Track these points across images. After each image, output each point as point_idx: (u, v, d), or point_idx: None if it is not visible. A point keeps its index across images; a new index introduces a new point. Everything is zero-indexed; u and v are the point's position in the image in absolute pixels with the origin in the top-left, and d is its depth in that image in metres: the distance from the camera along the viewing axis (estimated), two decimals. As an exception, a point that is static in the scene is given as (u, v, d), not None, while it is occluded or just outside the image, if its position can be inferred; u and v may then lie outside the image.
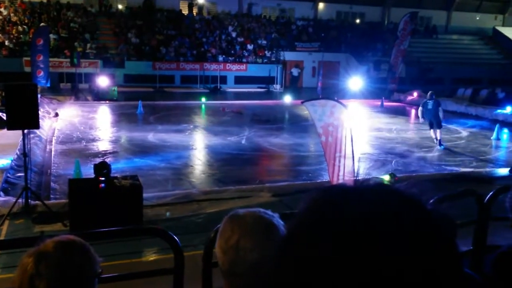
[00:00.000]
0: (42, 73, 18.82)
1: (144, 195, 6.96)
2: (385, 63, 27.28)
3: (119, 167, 9.62)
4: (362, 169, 10.23)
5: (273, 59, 29.19)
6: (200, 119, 16.74)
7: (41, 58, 18.76)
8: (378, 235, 0.53)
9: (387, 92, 24.33)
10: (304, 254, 0.54)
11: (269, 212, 1.43)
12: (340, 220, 0.55)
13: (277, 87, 28.01)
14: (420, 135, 15.34)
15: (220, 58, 28.07)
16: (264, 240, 1.35)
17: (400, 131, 16.06)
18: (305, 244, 0.55)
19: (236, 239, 1.36)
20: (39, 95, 7.80)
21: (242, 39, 29.96)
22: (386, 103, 22.45)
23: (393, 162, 11.41)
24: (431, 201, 0.59)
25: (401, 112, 20.94)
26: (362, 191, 0.59)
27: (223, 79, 27.31)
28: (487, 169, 10.64)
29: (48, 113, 16.02)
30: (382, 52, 31.08)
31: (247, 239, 1.36)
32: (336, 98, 9.01)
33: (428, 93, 13.48)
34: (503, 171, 9.99)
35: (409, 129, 17.27)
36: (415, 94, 23.68)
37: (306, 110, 8.19)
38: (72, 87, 22.41)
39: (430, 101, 13.23)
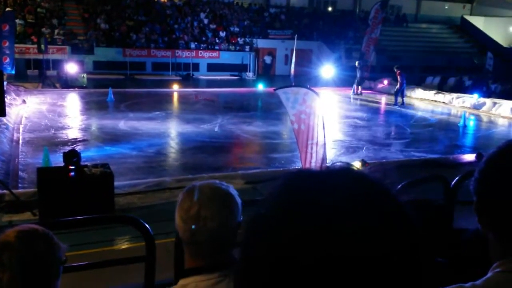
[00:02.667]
0: (8, 60, 18.24)
1: (116, 183, 6.87)
2: (357, 51, 27.53)
3: (89, 155, 9.45)
4: (334, 156, 10.36)
5: (246, 46, 29.05)
6: (172, 107, 16.56)
7: (7, 44, 18.16)
8: (343, 217, 0.54)
9: (358, 80, 24.57)
10: (272, 236, 0.55)
11: (224, 183, 1.52)
12: (308, 204, 0.56)
13: (250, 74, 27.94)
14: (391, 122, 15.62)
15: (192, 45, 27.76)
16: (222, 208, 1.45)
17: (371, 119, 16.29)
18: (274, 225, 0.56)
19: (197, 209, 1.43)
20: (5, 82, 7.53)
21: (214, 26, 29.67)
22: (357, 91, 22.70)
23: (364, 149, 11.59)
24: (399, 186, 0.61)
25: (371, 100, 21.23)
26: (329, 175, 0.60)
27: (196, 67, 27.06)
28: (455, 155, 10.93)
29: (15, 100, 15.53)
30: (354, 40, 31.34)
31: (207, 209, 1.43)
32: (308, 86, 9.05)
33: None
34: (470, 157, 10.28)
35: (380, 117, 17.55)
36: (386, 82, 24.01)
37: (279, 97, 8.21)
38: (40, 74, 21.76)
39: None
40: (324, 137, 7.40)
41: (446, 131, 14.58)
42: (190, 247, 1.47)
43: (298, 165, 8.78)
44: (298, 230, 0.54)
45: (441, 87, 22.80)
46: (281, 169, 9.31)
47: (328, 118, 10.38)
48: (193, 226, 1.43)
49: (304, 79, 22.58)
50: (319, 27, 32.38)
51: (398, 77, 19.01)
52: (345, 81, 24.02)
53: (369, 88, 24.22)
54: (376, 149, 11.61)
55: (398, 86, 19.01)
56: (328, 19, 33.73)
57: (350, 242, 0.52)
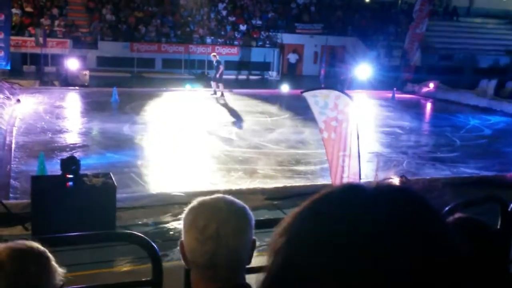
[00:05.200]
0: (2, 54, 18.73)
1: (118, 195, 6.96)
2: (398, 49, 27.32)
3: (89, 163, 9.61)
4: (369, 171, 10.29)
5: (269, 42, 29.17)
6: (184, 110, 16.72)
7: (2, 36, 18.66)
8: (384, 240, 0.58)
9: (400, 82, 24.39)
10: (316, 254, 0.59)
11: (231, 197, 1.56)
12: (352, 222, 0.60)
13: (273, 74, 28.00)
14: (438, 133, 15.43)
15: (208, 40, 28.01)
16: (242, 225, 1.48)
17: (414, 128, 16.13)
18: (317, 244, 0.60)
19: (215, 228, 1.44)
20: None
21: (234, 19, 29.91)
22: (398, 95, 22.54)
23: (405, 163, 11.49)
24: (448, 207, 0.64)
25: (415, 106, 21.03)
26: (377, 192, 0.64)
27: (211, 64, 27.24)
28: (512, 173, 10.73)
29: (9, 99, 15.92)
30: (395, 36, 31.16)
31: (227, 226, 1.45)
32: (341, 89, 9.03)
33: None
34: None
35: (424, 126, 17.37)
36: (432, 85, 23.77)
37: (306, 101, 8.21)
38: (37, 70, 22.26)
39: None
40: (358, 148, 7.36)
41: (503, 144, 14.33)
42: (205, 271, 1.48)
43: (327, 180, 8.75)
44: (337, 248, 0.58)
45: (498, 92, 22.42)
46: (307, 184, 9.29)
47: (363, 126, 10.32)
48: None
49: (336, 81, 22.53)
50: (354, 20, 32.31)
51: None
52: (384, 83, 23.86)
53: (412, 92, 24.00)
54: (419, 164, 11.50)
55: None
56: (364, 11, 33.64)
57: (388, 267, 0.56)
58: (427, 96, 23.13)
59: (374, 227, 0.58)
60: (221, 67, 20.04)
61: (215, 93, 19.88)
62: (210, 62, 27.04)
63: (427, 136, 15.37)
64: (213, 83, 20.29)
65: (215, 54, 21.45)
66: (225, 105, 18.22)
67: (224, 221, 1.46)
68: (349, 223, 0.59)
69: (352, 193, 0.64)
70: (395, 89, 22.70)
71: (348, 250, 0.57)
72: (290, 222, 0.65)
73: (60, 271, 1.58)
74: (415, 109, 20.27)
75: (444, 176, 10.27)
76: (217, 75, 19.89)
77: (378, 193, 0.63)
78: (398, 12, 34.52)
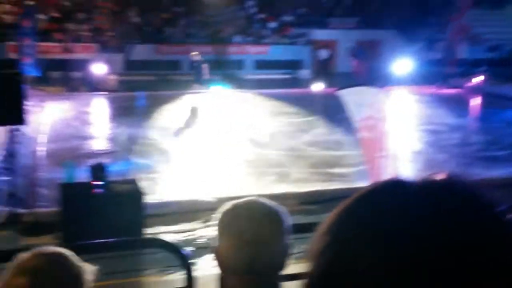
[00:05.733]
0: (29, 60, 19.22)
1: (146, 202, 7.09)
2: (441, 41, 26.83)
3: (117, 169, 9.78)
4: (411, 171, 10.16)
5: (301, 39, 29.08)
6: (213, 112, 16.85)
7: (29, 42, 19.15)
8: (438, 235, 0.57)
9: (443, 77, 23.96)
10: (363, 254, 0.59)
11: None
12: (402, 219, 0.59)
13: (305, 72, 27.89)
14: (487, 129, 15.09)
15: (237, 39, 28.14)
16: (280, 228, 1.48)
17: (460, 125, 15.82)
18: (363, 243, 0.59)
19: (253, 232, 1.45)
20: (25, 86, 8.02)
21: (263, 16, 29.97)
22: (441, 90, 22.14)
23: (450, 162, 11.29)
24: (504, 208, 0.63)
25: (460, 101, 20.62)
26: (426, 186, 0.63)
27: (240, 64, 27.37)
28: None
29: (36, 106, 16.36)
30: (437, 28, 30.63)
31: (265, 230, 1.46)
32: (378, 85, 8.96)
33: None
34: None
35: (471, 122, 17.01)
36: (478, 78, 23.26)
37: (341, 100, 8.18)
38: (64, 76, 22.80)
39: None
40: (399, 148, 7.28)
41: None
42: (242, 277, 1.48)
43: (365, 182, 8.68)
44: (388, 247, 0.57)
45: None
46: (344, 187, 9.22)
47: (403, 124, 10.22)
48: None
49: (373, 77, 22.29)
50: (392, 13, 31.91)
51: None
52: (425, 78, 23.47)
53: (457, 87, 23.54)
54: (467, 163, 11.26)
55: None
56: (403, 2, 33.17)
57: (442, 266, 0.55)
58: (473, 90, 22.63)
59: (425, 225, 0.58)
60: (205, 67, 19.68)
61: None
62: (239, 61, 27.23)
63: (475, 133, 15.02)
64: (196, 86, 19.59)
65: (196, 53, 20.77)
66: (256, 106, 18.27)
67: (260, 225, 1.47)
68: (398, 221, 0.59)
69: (397, 188, 0.63)
70: (438, 84, 22.32)
71: (399, 249, 0.57)
72: (332, 222, 0.64)
73: (89, 278, 1.66)
74: (460, 104, 19.86)
75: (495, 177, 10.03)
76: (204, 76, 19.54)
77: (425, 187, 0.62)
78: (440, 2, 33.93)
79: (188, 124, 15.34)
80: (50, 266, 1.57)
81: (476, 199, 0.61)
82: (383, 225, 0.59)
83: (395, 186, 0.63)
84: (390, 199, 0.61)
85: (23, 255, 1.60)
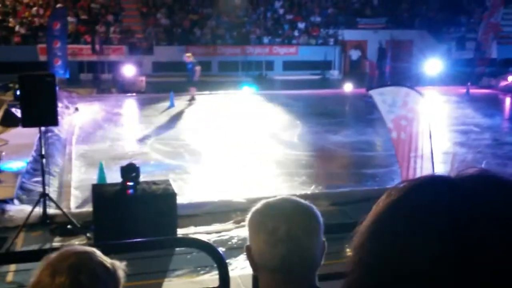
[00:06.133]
0: (59, 62, 19.56)
1: (178, 203, 7.10)
2: (471, 41, 26.42)
3: (149, 170, 9.87)
4: (444, 172, 9.99)
5: (330, 39, 28.96)
6: (243, 113, 16.87)
7: (58, 44, 19.49)
8: (481, 227, 0.58)
9: (475, 77, 23.58)
10: (405, 246, 0.60)
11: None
12: (443, 211, 0.60)
13: (334, 73, 27.77)
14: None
15: (265, 40, 28.17)
16: (313, 225, 1.49)
17: (492, 125, 15.55)
18: (405, 235, 0.61)
19: (286, 228, 1.45)
20: (57, 88, 8.12)
21: (291, 17, 29.94)
22: (473, 90, 21.80)
23: (484, 163, 11.09)
24: None
25: (492, 101, 20.25)
26: (465, 180, 0.63)
27: (269, 65, 27.39)
28: None
29: (67, 108, 16.64)
30: (467, 27, 30.16)
31: (298, 226, 1.46)
32: (409, 85, 8.85)
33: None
34: None
35: (503, 123, 16.68)
36: (510, 78, 22.82)
37: (372, 100, 8.10)
38: (94, 77, 23.14)
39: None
40: (431, 148, 7.18)
41: None
42: (277, 275, 1.47)
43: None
44: (431, 240, 0.58)
45: None
46: (376, 188, 9.12)
47: (435, 125, 10.06)
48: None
49: (404, 77, 22.04)
50: (422, 12, 31.54)
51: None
52: (457, 78, 23.16)
53: (489, 87, 23.14)
54: (500, 164, 11.07)
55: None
56: (433, 2, 32.75)
57: (487, 258, 0.56)
58: (506, 90, 22.21)
59: (467, 218, 0.58)
60: (198, 69, 19.53)
61: (192, 98, 19.21)
62: (268, 62, 27.27)
63: (507, 134, 14.76)
64: (191, 88, 19.49)
65: (189, 54, 20.57)
66: (286, 107, 18.22)
67: (294, 221, 1.46)
68: (439, 216, 0.59)
69: (439, 184, 0.64)
70: (469, 84, 22.01)
71: (444, 245, 0.57)
72: (379, 220, 0.64)
73: (122, 274, 1.66)
74: (492, 104, 19.53)
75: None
76: (194, 78, 19.34)
77: (463, 182, 0.63)
78: (470, 1, 33.38)
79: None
80: (87, 264, 1.58)
81: None
82: (435, 220, 0.59)
83: (437, 182, 0.65)
84: (435, 195, 0.62)
85: (53, 255, 1.60)
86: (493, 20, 24.04)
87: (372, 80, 21.24)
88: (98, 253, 1.65)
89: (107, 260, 1.63)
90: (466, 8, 32.44)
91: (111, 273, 1.62)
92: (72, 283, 1.53)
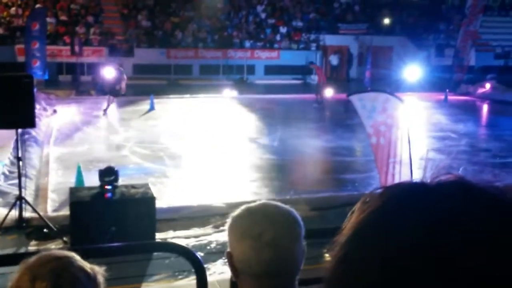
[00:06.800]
0: (38, 63, 19.34)
1: (157, 207, 7.05)
2: (450, 48, 26.78)
3: (127, 173, 9.78)
4: (420, 177, 10.09)
5: (312, 44, 29.10)
6: (223, 117, 16.84)
7: (37, 45, 19.27)
8: (457, 233, 0.58)
9: (453, 84, 23.88)
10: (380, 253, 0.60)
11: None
12: (419, 217, 0.60)
13: (315, 78, 27.89)
14: (495, 137, 15.01)
15: (247, 44, 28.19)
16: (297, 230, 1.49)
17: (470, 132, 15.75)
18: (380, 242, 0.61)
19: (272, 234, 1.44)
20: (35, 89, 8.01)
21: (273, 21, 30.02)
22: (451, 97, 22.08)
23: (460, 169, 11.20)
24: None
25: (470, 108, 20.53)
26: (440, 186, 0.64)
27: (251, 69, 27.42)
28: None
29: (45, 110, 16.44)
30: (446, 34, 30.58)
31: (283, 231, 1.47)
32: (389, 91, 8.93)
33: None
34: None
35: (481, 130, 16.92)
36: (488, 85, 23.17)
37: (353, 105, 8.15)
38: (73, 79, 22.90)
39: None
40: (410, 154, 7.24)
41: None
42: (260, 280, 1.47)
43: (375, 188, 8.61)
44: (407, 247, 0.58)
45: None
46: (355, 193, 9.17)
47: (414, 131, 10.15)
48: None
49: (383, 83, 22.24)
50: (402, 19, 31.89)
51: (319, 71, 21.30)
52: (435, 85, 23.45)
53: (467, 93, 23.46)
54: (476, 171, 11.21)
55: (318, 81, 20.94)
56: (413, 8, 33.15)
57: (463, 265, 0.56)
58: (483, 97, 22.55)
59: (446, 224, 0.59)
60: (125, 78, 17.74)
61: (105, 111, 16.98)
62: (250, 66, 27.28)
63: (484, 141, 14.97)
64: (110, 97, 17.16)
65: (118, 65, 18.52)
66: (266, 111, 18.24)
67: (279, 226, 1.46)
68: (419, 223, 0.60)
69: (416, 190, 0.64)
70: (447, 90, 22.27)
71: (423, 250, 0.58)
72: (359, 227, 0.64)
73: (102, 279, 1.63)
74: (469, 111, 19.79)
75: (505, 184, 9.95)
76: (120, 87, 17.28)
77: (441, 188, 0.63)
78: (449, 8, 33.86)
79: None
80: (68, 268, 1.55)
81: (490, 192, 0.63)
82: (415, 228, 0.60)
83: (415, 189, 0.65)
84: (414, 202, 0.63)
85: (32, 259, 1.57)
86: (471, 28, 24.40)
87: (319, 86, 20.94)
88: (77, 257, 1.62)
89: (86, 265, 1.61)
90: (445, 15, 32.89)
91: (92, 278, 1.59)
92: None
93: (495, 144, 14.12)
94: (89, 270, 1.60)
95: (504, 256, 0.57)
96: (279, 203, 1.55)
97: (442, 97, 21.98)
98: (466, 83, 24.26)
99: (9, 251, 6.60)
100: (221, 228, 7.39)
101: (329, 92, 21.92)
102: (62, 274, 1.53)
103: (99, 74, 21.55)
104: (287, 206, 1.54)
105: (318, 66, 21.51)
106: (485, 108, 21.24)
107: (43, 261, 1.56)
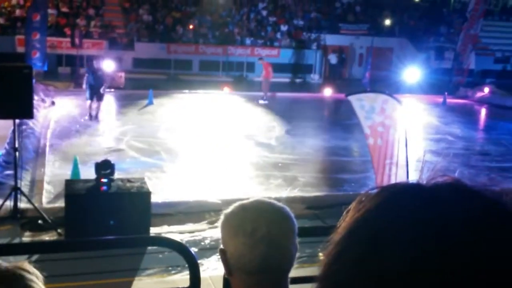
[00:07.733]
0: (38, 54, 19.28)
1: (152, 201, 7.05)
2: (450, 51, 26.81)
3: (124, 167, 9.78)
4: (417, 179, 10.10)
5: (312, 43, 29.08)
6: (221, 114, 16.83)
7: (38, 36, 19.21)
8: (453, 237, 0.58)
9: (452, 87, 23.89)
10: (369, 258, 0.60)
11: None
12: (413, 221, 0.60)
13: (315, 77, 27.89)
14: (492, 141, 15.03)
15: (248, 41, 28.16)
16: (290, 226, 1.50)
17: (467, 135, 15.78)
18: (372, 246, 0.61)
19: (266, 230, 1.45)
20: (33, 80, 7.99)
21: (274, 19, 29.99)
22: (449, 100, 22.09)
23: (457, 172, 11.20)
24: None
25: (468, 112, 20.55)
26: (436, 189, 0.64)
27: (250, 67, 27.37)
28: None
29: (43, 101, 16.40)
30: (447, 37, 30.60)
31: (277, 227, 1.47)
32: (388, 92, 8.91)
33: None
34: None
35: (478, 133, 16.94)
36: (486, 89, 23.18)
37: (351, 105, 8.14)
38: (72, 71, 22.85)
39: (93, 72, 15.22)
40: (407, 156, 7.24)
41: None
42: (254, 276, 1.47)
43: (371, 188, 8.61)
44: (402, 247, 0.58)
45: None
46: (351, 193, 9.18)
47: (412, 132, 10.16)
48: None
49: (382, 84, 22.25)
50: (403, 20, 31.90)
51: (269, 68, 20.91)
52: (434, 87, 23.45)
53: (465, 97, 23.49)
54: (473, 173, 11.22)
55: (261, 78, 20.84)
56: (414, 11, 33.16)
57: (459, 271, 0.56)
58: (481, 101, 22.57)
59: (443, 226, 0.59)
60: (107, 80, 15.82)
61: (91, 116, 14.83)
62: (249, 64, 27.23)
63: (481, 144, 14.99)
64: (95, 102, 14.96)
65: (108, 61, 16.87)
66: (265, 109, 18.24)
67: (273, 223, 1.46)
68: (416, 224, 0.60)
69: (412, 191, 0.64)
70: (446, 93, 22.26)
71: (418, 250, 0.58)
72: (354, 227, 0.64)
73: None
74: (468, 115, 19.82)
75: (501, 188, 9.96)
76: (102, 90, 14.98)
77: (437, 190, 0.63)
78: (451, 11, 33.90)
79: None
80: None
81: (485, 195, 0.64)
82: (412, 229, 0.59)
83: (411, 190, 0.65)
84: (409, 203, 0.62)
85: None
86: (472, 32, 24.42)
87: (266, 82, 20.93)
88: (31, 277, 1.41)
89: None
90: (446, 18, 32.90)
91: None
92: None
93: (492, 148, 14.15)
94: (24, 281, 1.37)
95: (499, 258, 0.56)
96: (272, 201, 1.55)
97: (441, 99, 21.98)
98: (465, 87, 24.30)
99: (2, 241, 6.59)
100: (216, 224, 7.40)
101: (327, 92, 21.95)
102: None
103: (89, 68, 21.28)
104: (280, 204, 1.54)
105: (267, 62, 21.59)
106: (483, 112, 21.26)
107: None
